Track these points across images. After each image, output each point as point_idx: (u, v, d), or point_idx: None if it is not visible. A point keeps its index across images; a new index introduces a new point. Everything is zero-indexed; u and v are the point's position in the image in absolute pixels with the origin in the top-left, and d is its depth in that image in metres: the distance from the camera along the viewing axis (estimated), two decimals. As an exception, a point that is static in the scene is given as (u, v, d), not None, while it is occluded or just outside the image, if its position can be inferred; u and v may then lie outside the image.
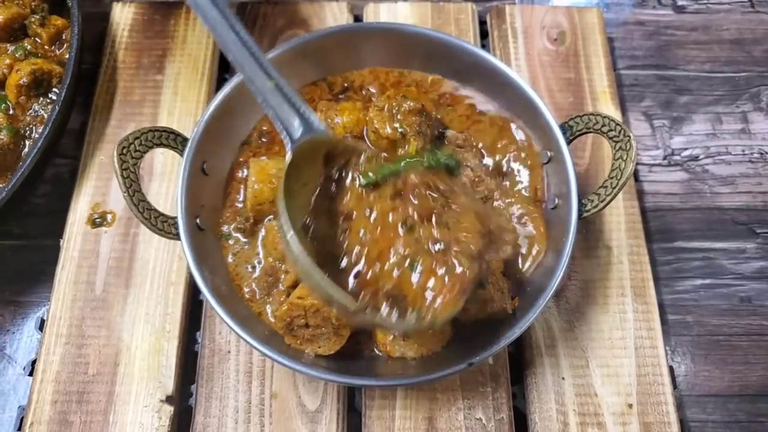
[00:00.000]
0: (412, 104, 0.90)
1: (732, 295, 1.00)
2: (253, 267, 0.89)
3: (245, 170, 0.94)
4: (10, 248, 1.01)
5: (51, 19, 1.07)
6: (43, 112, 1.00)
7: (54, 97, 1.01)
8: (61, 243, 0.98)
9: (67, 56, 1.00)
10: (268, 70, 0.74)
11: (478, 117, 0.98)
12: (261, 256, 0.89)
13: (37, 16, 1.06)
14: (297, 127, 0.73)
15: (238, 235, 0.90)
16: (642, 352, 0.92)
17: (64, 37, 1.08)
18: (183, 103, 1.09)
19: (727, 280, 1.01)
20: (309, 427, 0.86)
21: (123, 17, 1.16)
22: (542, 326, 0.94)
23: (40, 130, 0.94)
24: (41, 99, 1.01)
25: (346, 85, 1.01)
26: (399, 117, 0.90)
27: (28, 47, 1.04)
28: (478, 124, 0.98)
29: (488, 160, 0.94)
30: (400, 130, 0.90)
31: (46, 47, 1.06)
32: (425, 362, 0.81)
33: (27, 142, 0.98)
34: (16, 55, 1.03)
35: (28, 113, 0.99)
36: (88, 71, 1.12)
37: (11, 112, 0.99)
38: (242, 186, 0.93)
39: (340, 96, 1.00)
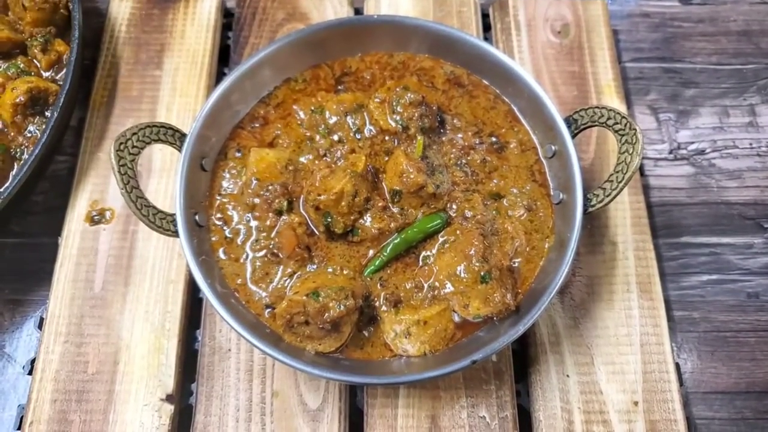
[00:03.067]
0: (412, 96, 0.89)
1: (739, 291, 0.99)
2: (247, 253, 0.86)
3: (237, 153, 0.92)
4: (9, 246, 1.00)
5: (55, 43, 1.03)
6: (38, 132, 0.96)
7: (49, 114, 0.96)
8: (59, 241, 0.97)
9: (61, 76, 0.96)
10: None
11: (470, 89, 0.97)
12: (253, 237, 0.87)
13: (40, 40, 1.02)
14: None
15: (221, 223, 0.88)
16: (648, 348, 0.91)
17: (63, 61, 1.04)
18: (181, 98, 1.08)
19: (734, 276, 1.00)
20: (311, 426, 0.85)
21: (121, 12, 1.15)
22: (546, 323, 0.92)
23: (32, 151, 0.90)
24: (37, 118, 0.97)
25: (345, 71, 0.99)
26: (399, 109, 0.89)
27: (21, 65, 1.00)
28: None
29: (492, 138, 0.94)
30: (400, 123, 0.89)
31: (44, 73, 1.02)
32: (428, 360, 0.80)
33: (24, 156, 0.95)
34: (9, 73, 0.99)
35: (24, 133, 0.96)
36: (87, 67, 1.10)
37: (5, 130, 0.95)
38: (232, 169, 0.91)
39: (338, 87, 0.98)
